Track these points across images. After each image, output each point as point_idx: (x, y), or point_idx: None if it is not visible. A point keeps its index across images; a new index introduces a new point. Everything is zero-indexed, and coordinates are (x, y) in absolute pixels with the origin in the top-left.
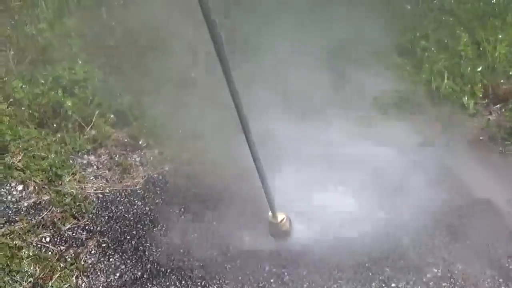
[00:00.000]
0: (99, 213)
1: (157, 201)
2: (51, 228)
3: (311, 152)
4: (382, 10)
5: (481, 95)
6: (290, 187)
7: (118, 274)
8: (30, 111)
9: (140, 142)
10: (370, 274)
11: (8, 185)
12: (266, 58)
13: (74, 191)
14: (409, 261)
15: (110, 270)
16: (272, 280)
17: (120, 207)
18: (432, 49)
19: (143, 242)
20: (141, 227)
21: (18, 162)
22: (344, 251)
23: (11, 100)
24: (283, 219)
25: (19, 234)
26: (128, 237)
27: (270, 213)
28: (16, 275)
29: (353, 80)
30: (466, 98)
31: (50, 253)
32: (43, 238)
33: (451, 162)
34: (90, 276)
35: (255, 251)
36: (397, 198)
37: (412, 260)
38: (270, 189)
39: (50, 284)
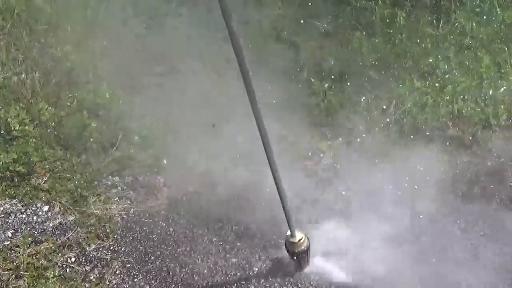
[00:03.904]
0: (124, 233)
1: (181, 222)
2: (76, 248)
3: None
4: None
5: (504, 117)
6: None
7: None
8: (55, 132)
9: (164, 163)
10: None
11: (34, 206)
12: None
13: (99, 212)
14: None
15: None
16: None
17: (144, 228)
18: (454, 71)
19: (167, 263)
20: (165, 247)
21: (44, 183)
22: None
23: (37, 122)
24: (302, 238)
25: (45, 254)
26: (153, 258)
27: (288, 232)
28: None
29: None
30: (489, 120)
31: (75, 273)
32: (69, 258)
33: None
34: None
35: (278, 271)
36: None
37: None
38: (289, 207)
39: None
